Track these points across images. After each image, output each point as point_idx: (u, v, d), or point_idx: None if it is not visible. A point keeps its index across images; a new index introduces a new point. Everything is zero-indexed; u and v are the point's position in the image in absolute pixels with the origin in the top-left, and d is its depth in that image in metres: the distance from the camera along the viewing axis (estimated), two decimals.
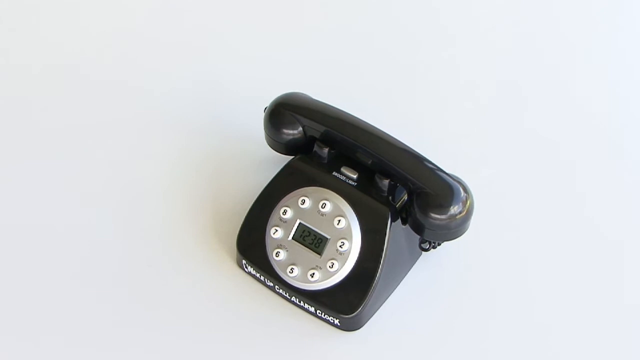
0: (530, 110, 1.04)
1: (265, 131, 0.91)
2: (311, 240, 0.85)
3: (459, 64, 1.08)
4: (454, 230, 0.83)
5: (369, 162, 0.84)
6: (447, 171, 0.84)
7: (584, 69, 1.08)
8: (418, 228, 0.83)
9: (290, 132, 0.88)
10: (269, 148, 0.92)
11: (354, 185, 0.85)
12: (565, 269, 0.91)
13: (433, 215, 0.81)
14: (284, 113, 0.88)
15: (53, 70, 1.03)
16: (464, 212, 0.82)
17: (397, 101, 0.99)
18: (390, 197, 0.85)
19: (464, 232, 0.84)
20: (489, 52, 1.09)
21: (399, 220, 0.85)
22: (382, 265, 0.83)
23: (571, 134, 1.01)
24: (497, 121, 1.03)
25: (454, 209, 0.81)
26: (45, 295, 0.86)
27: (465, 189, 0.82)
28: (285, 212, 0.86)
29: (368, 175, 0.85)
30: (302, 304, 0.86)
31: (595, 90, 1.06)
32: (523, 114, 1.04)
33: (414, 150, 0.84)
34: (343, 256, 0.84)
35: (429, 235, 0.84)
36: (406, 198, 0.85)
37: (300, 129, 0.88)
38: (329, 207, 0.85)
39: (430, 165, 0.83)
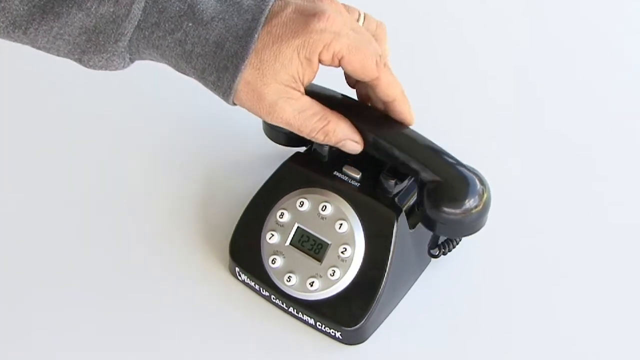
0: (551, 106, 1.03)
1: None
2: (310, 245, 0.83)
3: (476, 58, 1.06)
4: (468, 225, 0.79)
5: (375, 152, 0.80)
6: (462, 162, 0.80)
7: (606, 65, 1.07)
8: (429, 223, 0.80)
9: None
10: (265, 145, 0.91)
11: (357, 186, 0.83)
12: (588, 278, 0.89)
13: (446, 208, 0.78)
14: None
15: (44, 69, 1.02)
16: (480, 206, 0.78)
17: (409, 96, 0.95)
18: (396, 199, 0.82)
19: (480, 228, 0.80)
20: (506, 45, 1.08)
21: (406, 224, 0.83)
22: (388, 273, 0.81)
23: (595, 133, 1.00)
24: (516, 117, 1.02)
25: (470, 203, 0.78)
26: (34, 298, 0.86)
27: (482, 181, 0.79)
28: (282, 215, 0.84)
29: (372, 175, 0.83)
30: (300, 315, 0.84)
31: (618, 87, 1.05)
32: (544, 110, 1.02)
33: (425, 138, 0.81)
34: (345, 263, 0.82)
35: (441, 230, 0.81)
36: (413, 201, 0.84)
37: None
38: (329, 209, 0.83)
39: (444, 154, 0.80)
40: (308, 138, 0.77)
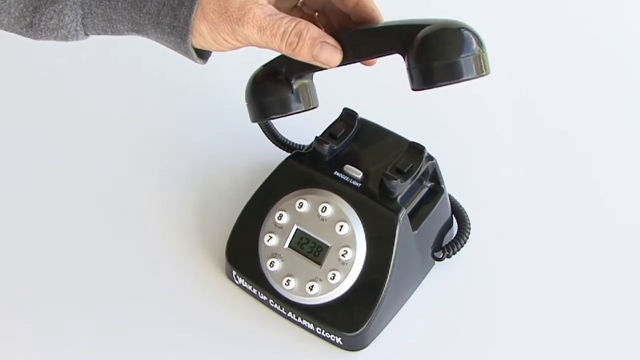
0: (550, 110, 1.03)
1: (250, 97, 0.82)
2: (310, 248, 0.82)
3: None
4: (469, 61, 0.73)
5: (356, 48, 0.75)
6: None
7: (606, 67, 1.07)
8: (429, 74, 0.73)
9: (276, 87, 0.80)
10: (263, 144, 0.90)
11: (358, 186, 0.83)
12: (596, 282, 0.89)
13: (445, 50, 0.72)
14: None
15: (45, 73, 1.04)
16: (476, 39, 0.73)
17: (411, 98, 0.94)
18: (399, 200, 0.82)
19: (485, 72, 0.74)
20: (504, 46, 1.05)
21: (409, 226, 0.82)
22: (390, 277, 0.80)
23: (596, 135, 1.00)
24: (516, 121, 1.01)
25: (466, 33, 0.73)
26: (28, 302, 0.87)
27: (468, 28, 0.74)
28: (280, 216, 0.83)
29: (374, 175, 0.83)
30: (299, 320, 0.83)
31: (619, 89, 1.05)
32: (544, 114, 1.02)
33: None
34: (346, 266, 0.81)
35: (442, 74, 0.73)
36: (417, 202, 0.84)
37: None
38: (329, 211, 0.82)
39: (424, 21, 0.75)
40: (279, 49, 0.73)
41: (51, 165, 0.95)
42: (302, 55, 0.72)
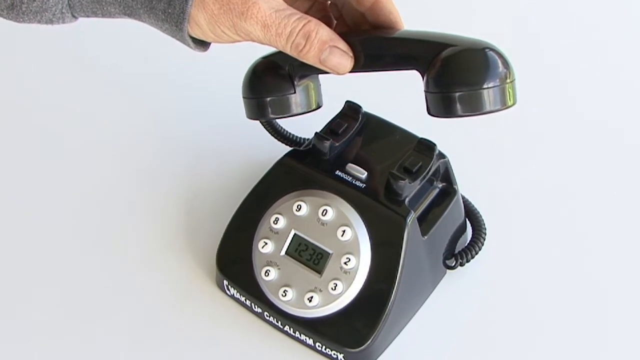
0: (575, 103, 1.02)
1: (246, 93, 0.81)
2: (309, 255, 0.81)
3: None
4: (496, 92, 0.71)
5: (370, 57, 0.73)
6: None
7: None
8: (450, 103, 0.71)
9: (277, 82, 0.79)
10: (258, 141, 0.91)
11: (362, 187, 0.81)
12: (625, 290, 0.87)
13: (469, 78, 0.70)
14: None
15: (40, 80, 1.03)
16: (506, 69, 0.70)
17: (420, 91, 0.97)
18: (407, 202, 0.80)
19: (511, 103, 0.72)
20: (532, 42, 1.07)
21: (418, 231, 0.81)
22: (397, 287, 0.79)
23: (636, 138, 0.99)
24: (536, 115, 0.99)
25: (495, 59, 0.70)
26: (15, 310, 0.86)
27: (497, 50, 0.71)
28: (276, 220, 0.82)
29: (379, 175, 0.82)
30: (297, 334, 0.82)
31: None
32: (569, 106, 1.01)
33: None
34: (348, 275, 0.80)
35: (464, 105, 0.71)
36: (426, 204, 0.82)
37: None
38: (330, 214, 0.81)
39: (448, 35, 0.72)
40: (284, 49, 0.70)
41: (33, 166, 0.95)
42: (309, 58, 0.70)
